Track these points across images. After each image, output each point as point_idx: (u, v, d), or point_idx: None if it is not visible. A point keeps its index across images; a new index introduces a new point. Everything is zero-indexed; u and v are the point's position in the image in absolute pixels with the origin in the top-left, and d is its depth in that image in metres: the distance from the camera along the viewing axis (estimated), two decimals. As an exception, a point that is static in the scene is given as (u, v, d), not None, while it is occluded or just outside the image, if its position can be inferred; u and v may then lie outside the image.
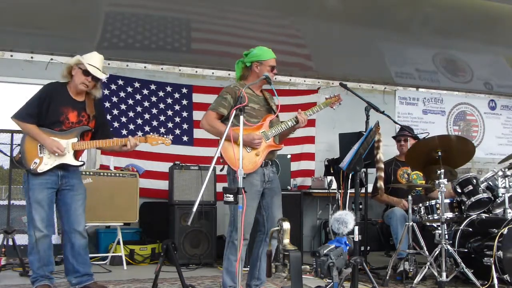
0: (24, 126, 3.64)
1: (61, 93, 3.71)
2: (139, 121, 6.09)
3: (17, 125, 3.70)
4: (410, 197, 4.37)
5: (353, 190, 3.80)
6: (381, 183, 4.36)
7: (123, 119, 6.00)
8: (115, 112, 5.97)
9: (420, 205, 4.49)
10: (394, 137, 5.52)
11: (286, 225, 4.25)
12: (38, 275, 3.64)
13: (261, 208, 3.60)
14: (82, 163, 3.84)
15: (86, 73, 3.67)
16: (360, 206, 4.80)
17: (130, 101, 6.08)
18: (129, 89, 6.10)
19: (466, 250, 4.16)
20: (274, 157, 3.66)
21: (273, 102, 3.76)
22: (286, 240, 4.08)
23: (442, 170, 4.06)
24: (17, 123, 3.67)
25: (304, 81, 6.93)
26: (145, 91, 6.18)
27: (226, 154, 3.39)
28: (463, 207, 4.38)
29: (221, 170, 3.55)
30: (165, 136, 3.94)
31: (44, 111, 3.64)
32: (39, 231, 3.59)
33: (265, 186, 3.58)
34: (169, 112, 6.25)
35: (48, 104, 3.64)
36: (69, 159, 3.70)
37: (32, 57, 5.73)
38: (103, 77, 3.79)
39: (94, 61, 3.70)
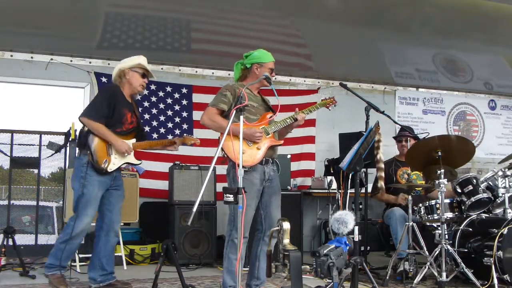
0: (96, 126, 3.72)
1: (121, 95, 3.91)
2: (139, 121, 6.09)
3: (86, 124, 3.76)
4: (410, 197, 4.37)
5: (353, 190, 3.80)
6: (381, 183, 4.36)
7: (123, 119, 5.99)
8: (115, 112, 5.97)
9: (420, 205, 4.49)
10: (395, 138, 5.53)
11: (286, 225, 4.25)
12: (59, 263, 3.75)
13: (259, 207, 3.61)
14: (141, 162, 4.13)
15: (143, 75, 3.96)
16: (360, 206, 4.79)
17: (130, 101, 6.08)
18: (129, 89, 6.09)
19: (466, 250, 4.16)
20: (275, 154, 3.69)
21: (269, 104, 3.82)
22: (286, 240, 4.08)
23: (442, 170, 4.06)
24: (87, 122, 3.74)
25: (304, 81, 6.93)
26: (145, 91, 6.15)
27: (227, 148, 3.40)
28: (463, 207, 4.38)
29: (222, 162, 3.55)
30: (189, 135, 4.15)
31: (111, 112, 3.78)
32: (85, 224, 3.71)
33: (265, 184, 3.59)
34: (169, 112, 6.25)
35: (114, 105, 3.79)
36: (132, 159, 3.94)
37: (32, 57, 5.72)
38: (155, 78, 4.15)
39: (145, 62, 3.97)
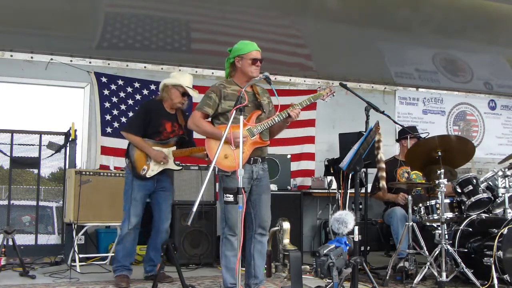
0: (133, 138, 4.19)
1: (159, 108, 4.29)
2: (139, 121, 6.08)
3: (126, 137, 4.27)
4: (410, 197, 4.37)
5: (353, 190, 3.80)
6: (383, 183, 4.36)
7: (123, 120, 5.97)
8: (115, 112, 5.96)
9: (420, 205, 4.49)
10: (398, 140, 5.57)
11: (286, 225, 4.26)
12: (120, 264, 4.18)
13: (248, 206, 3.56)
14: (181, 167, 4.45)
15: (184, 94, 4.28)
16: (360, 206, 4.80)
17: (130, 101, 6.07)
18: (129, 89, 6.09)
19: (466, 250, 4.16)
20: (264, 154, 3.63)
21: (266, 96, 3.73)
22: (286, 240, 4.08)
23: (442, 170, 4.06)
24: (127, 135, 4.23)
25: (304, 81, 6.92)
26: (145, 91, 6.16)
27: (210, 152, 3.44)
28: (463, 207, 4.38)
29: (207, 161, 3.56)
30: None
31: (147, 124, 4.20)
32: (131, 225, 4.14)
33: (253, 183, 3.56)
34: (169, 112, 6.24)
35: (150, 118, 4.21)
36: (171, 165, 4.29)
37: (32, 57, 5.72)
38: (196, 96, 4.38)
39: (188, 82, 4.30)
